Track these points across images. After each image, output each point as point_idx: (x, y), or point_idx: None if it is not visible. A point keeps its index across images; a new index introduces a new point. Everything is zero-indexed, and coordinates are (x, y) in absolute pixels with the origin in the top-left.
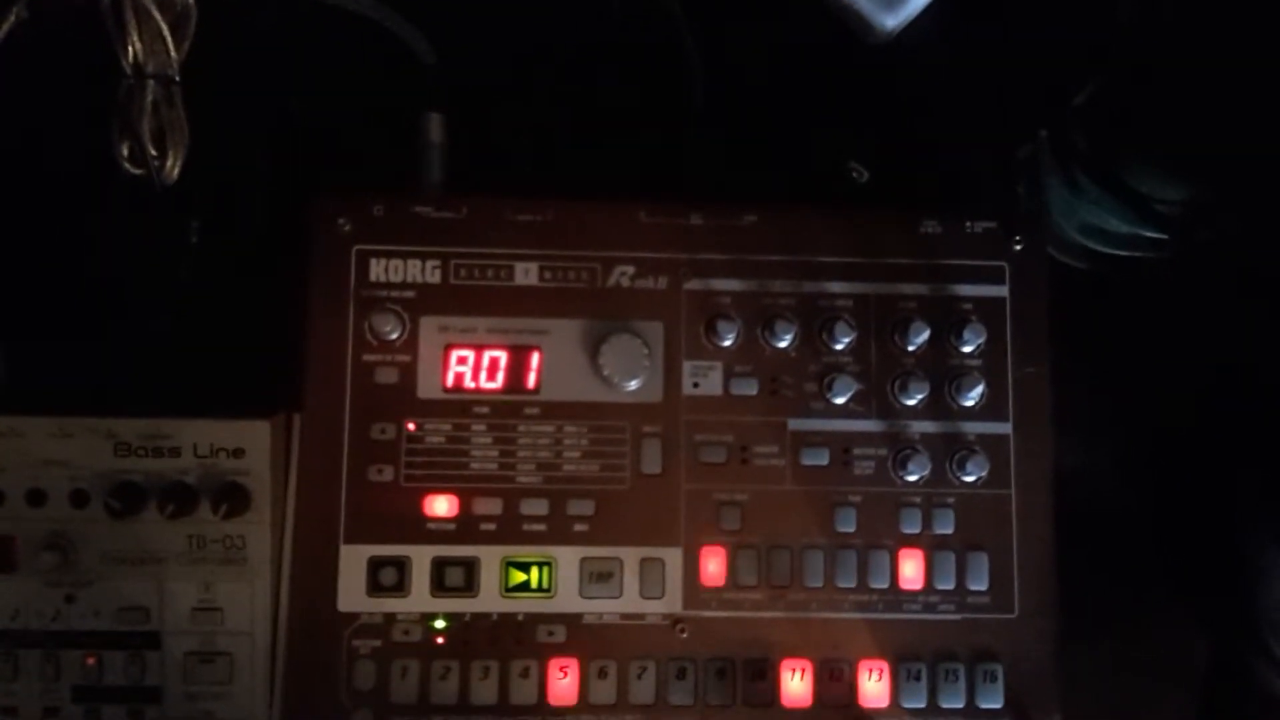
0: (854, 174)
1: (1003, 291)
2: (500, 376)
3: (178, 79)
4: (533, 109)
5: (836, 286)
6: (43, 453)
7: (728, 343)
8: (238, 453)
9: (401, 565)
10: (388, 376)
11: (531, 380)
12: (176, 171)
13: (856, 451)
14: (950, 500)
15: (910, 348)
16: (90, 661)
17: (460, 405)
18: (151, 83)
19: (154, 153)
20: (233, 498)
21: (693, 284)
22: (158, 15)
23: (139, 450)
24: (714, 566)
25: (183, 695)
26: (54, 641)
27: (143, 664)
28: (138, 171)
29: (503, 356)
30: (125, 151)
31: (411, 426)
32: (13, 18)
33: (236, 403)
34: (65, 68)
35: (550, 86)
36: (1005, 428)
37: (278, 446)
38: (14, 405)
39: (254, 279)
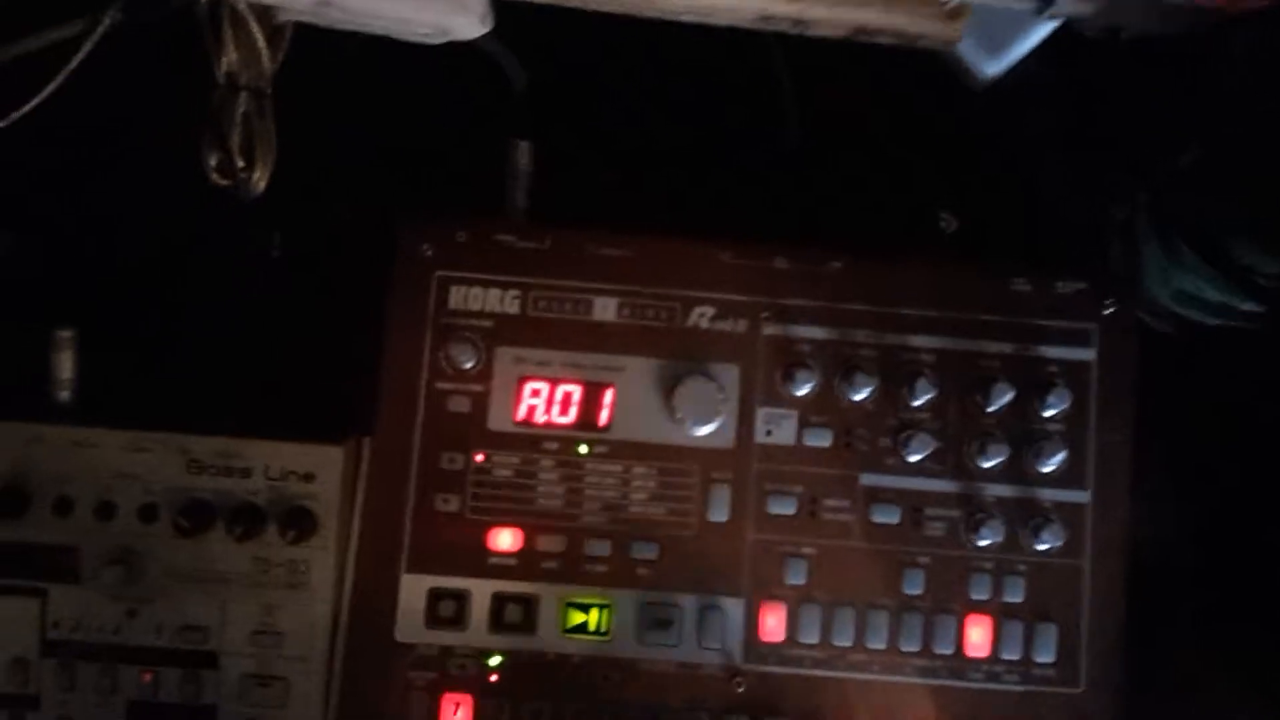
0: (943, 223)
1: (1090, 355)
2: (572, 411)
3: (269, 91)
4: (623, 138)
5: (919, 340)
6: (115, 465)
7: (804, 391)
8: (308, 477)
9: (461, 598)
10: (460, 405)
11: (603, 418)
12: (263, 185)
13: (928, 512)
14: (1022, 568)
15: (991, 408)
16: (147, 678)
17: (530, 439)
18: (244, 94)
19: (242, 164)
20: (300, 522)
21: (772, 329)
22: (255, 27)
23: (211, 468)
24: (775, 621)
25: (237, 717)
26: (113, 655)
27: (199, 683)
28: (225, 183)
29: (576, 391)
30: (213, 162)
31: (480, 458)
32: (107, 20)
33: (307, 423)
34: (156, 74)
35: (643, 116)
36: (1084, 496)
37: (348, 472)
38: (85, 416)
39: (333, 299)
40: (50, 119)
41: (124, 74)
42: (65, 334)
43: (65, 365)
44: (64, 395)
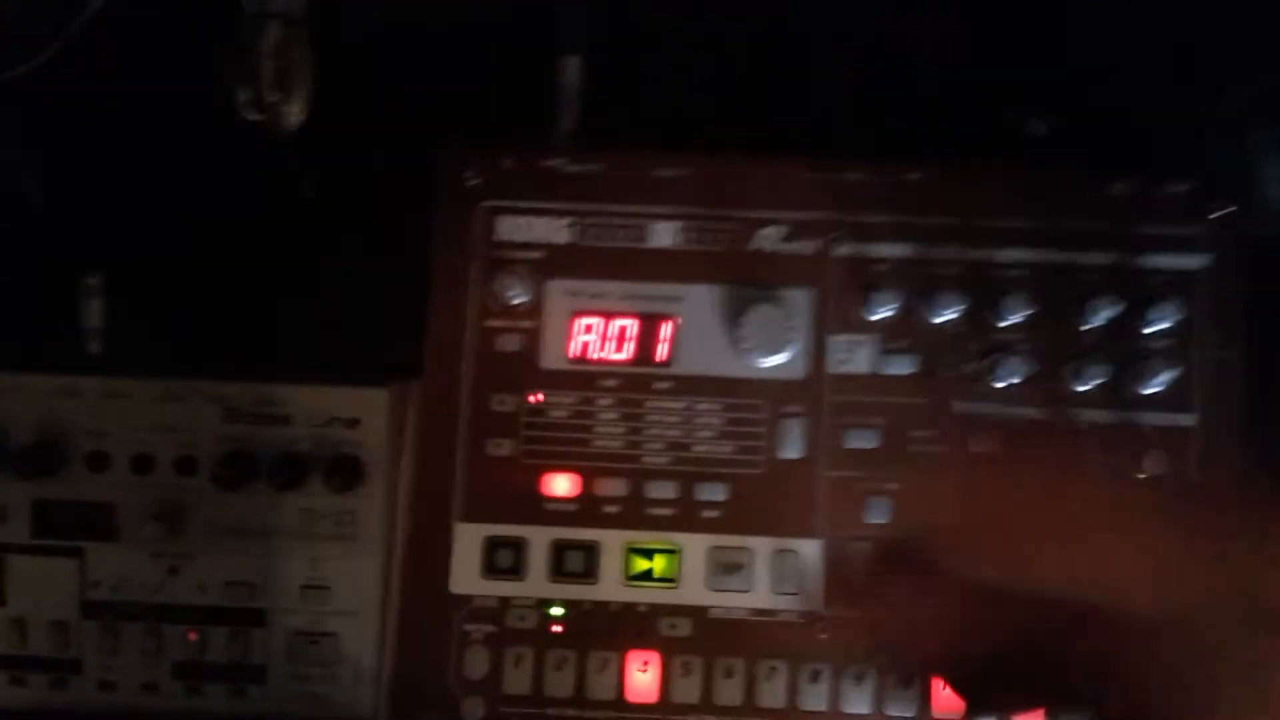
0: (1030, 128)
1: (1198, 263)
2: (629, 347)
3: (301, 18)
4: (676, 55)
5: (1008, 254)
6: (149, 417)
7: (882, 315)
8: (352, 422)
9: (518, 547)
10: (510, 344)
11: (663, 351)
12: (299, 118)
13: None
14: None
15: (1090, 325)
16: (192, 637)
17: (585, 377)
18: (275, 22)
19: (275, 98)
20: (346, 470)
21: (845, 248)
22: None
23: (249, 417)
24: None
25: (287, 676)
26: (156, 615)
27: (247, 642)
28: (257, 118)
29: (632, 325)
30: (244, 96)
31: (533, 399)
32: None
33: (350, 368)
34: (184, 6)
35: (697, 31)
36: (1190, 420)
37: (394, 416)
38: (117, 366)
39: (373, 237)
40: (75, 59)
41: (150, 8)
42: (92, 281)
43: (94, 314)
44: (94, 345)
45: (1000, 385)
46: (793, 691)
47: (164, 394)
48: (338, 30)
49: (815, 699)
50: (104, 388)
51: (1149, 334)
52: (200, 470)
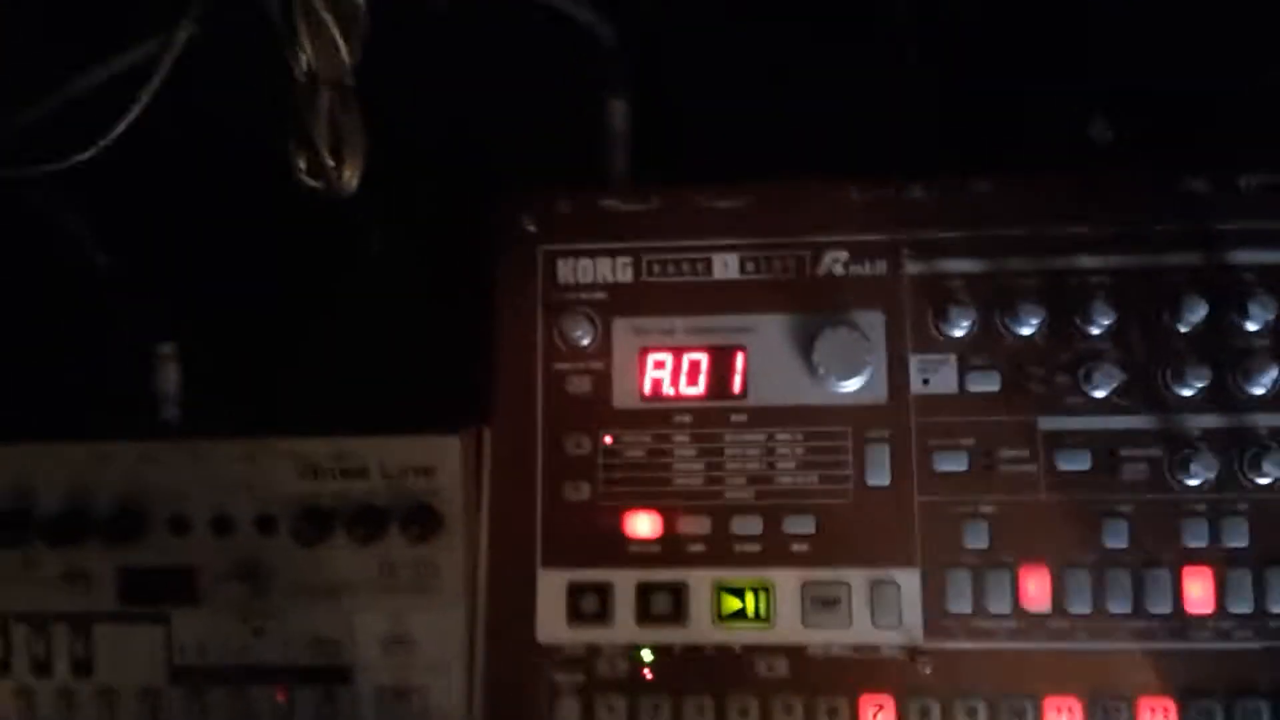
0: (1096, 134)
1: None
2: (702, 381)
3: (351, 83)
4: (723, 89)
5: (1089, 261)
6: (228, 477)
7: (961, 332)
8: (427, 471)
9: (603, 591)
10: (581, 386)
11: (737, 384)
12: (355, 181)
13: (1124, 453)
14: (1243, 507)
15: (1183, 328)
16: (281, 698)
17: (660, 414)
18: (325, 89)
19: (331, 162)
20: (424, 520)
21: (916, 267)
22: (329, 18)
23: (326, 472)
24: (959, 590)
25: None
26: (243, 677)
27: (335, 700)
28: (315, 184)
29: (704, 359)
30: (302, 163)
31: (608, 439)
32: (183, 35)
33: (423, 419)
34: (236, 81)
35: (742, 62)
36: None
37: (468, 463)
38: (192, 428)
39: (436, 287)
40: (138, 137)
41: (206, 84)
42: (166, 349)
43: (169, 380)
44: (171, 410)
45: (1098, 395)
46: None
47: (239, 454)
48: (386, 87)
49: None
50: (181, 451)
51: (1250, 332)
52: (280, 528)
